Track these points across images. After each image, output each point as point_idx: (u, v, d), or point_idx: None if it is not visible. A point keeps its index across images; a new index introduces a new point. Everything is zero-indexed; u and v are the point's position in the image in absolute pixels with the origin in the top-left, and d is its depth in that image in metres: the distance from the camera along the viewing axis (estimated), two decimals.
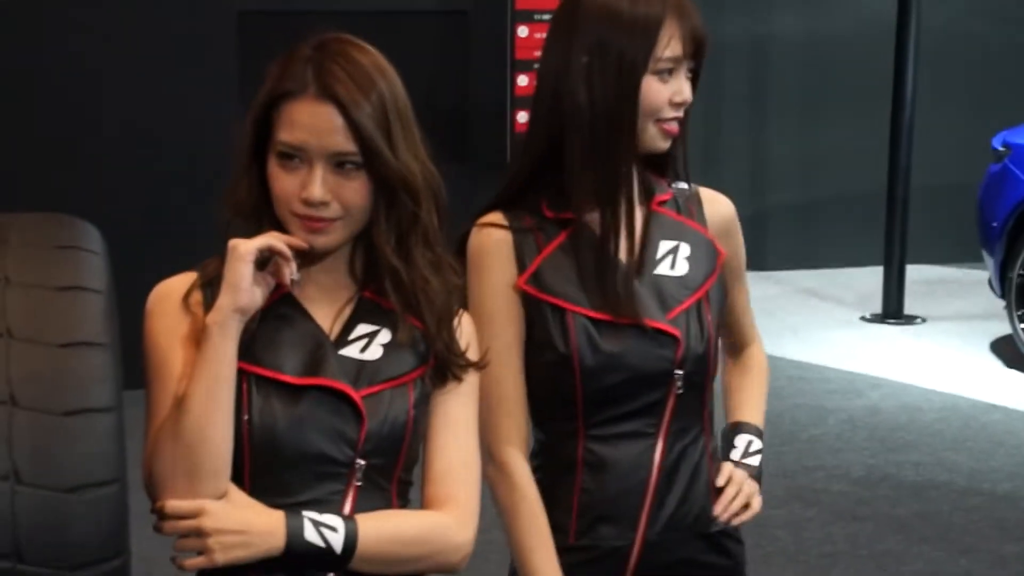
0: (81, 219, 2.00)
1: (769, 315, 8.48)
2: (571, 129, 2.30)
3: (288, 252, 2.03)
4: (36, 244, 1.87)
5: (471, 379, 2.17)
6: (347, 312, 2.13)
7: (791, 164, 9.89)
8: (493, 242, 2.33)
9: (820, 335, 8.12)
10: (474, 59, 6.90)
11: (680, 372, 2.34)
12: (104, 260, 1.91)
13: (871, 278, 9.03)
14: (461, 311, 2.19)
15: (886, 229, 8.37)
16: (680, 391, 2.35)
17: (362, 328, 2.12)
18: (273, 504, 2.03)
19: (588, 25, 2.28)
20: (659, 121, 2.32)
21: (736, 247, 2.50)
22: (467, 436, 2.16)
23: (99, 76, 6.57)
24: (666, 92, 2.31)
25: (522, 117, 6.82)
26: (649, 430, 2.35)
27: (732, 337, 2.61)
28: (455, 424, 2.15)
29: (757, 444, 2.49)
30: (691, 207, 2.44)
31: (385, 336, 2.12)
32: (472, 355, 2.18)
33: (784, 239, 9.87)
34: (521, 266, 2.32)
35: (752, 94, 9.80)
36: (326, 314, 2.12)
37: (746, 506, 2.43)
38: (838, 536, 5.22)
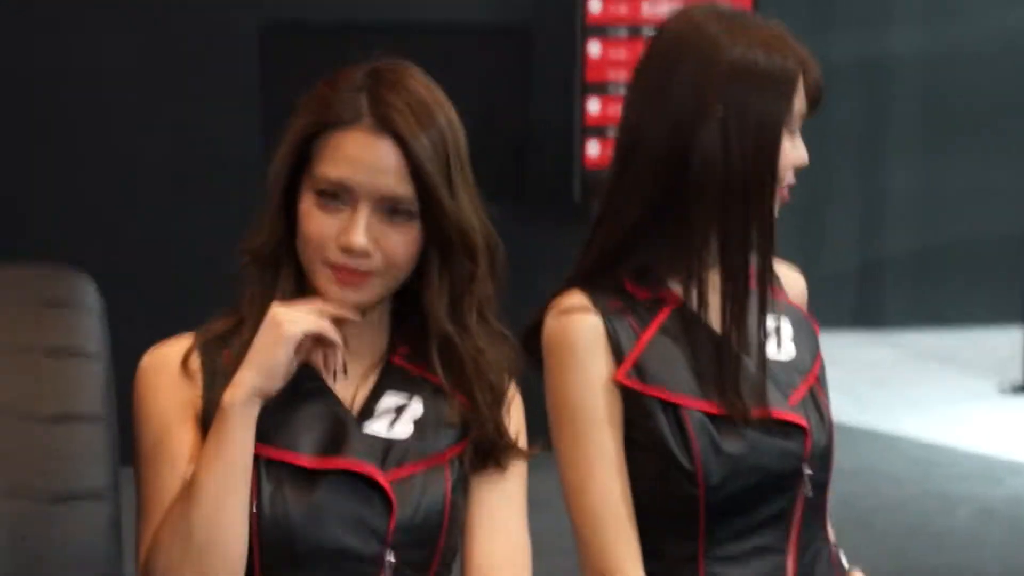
0: (75, 268, 2.00)
1: (884, 384, 8.43)
2: (696, 192, 2.29)
3: (340, 342, 2.04)
4: (22, 300, 1.88)
5: (518, 468, 2.16)
6: (372, 381, 2.13)
7: (911, 206, 9.86)
8: (582, 329, 2.28)
9: (948, 410, 8.06)
10: (537, 81, 6.92)
11: (808, 471, 2.32)
12: (101, 318, 1.91)
13: (1008, 340, 8.98)
14: (515, 391, 2.18)
15: None
16: (809, 494, 2.33)
17: (390, 400, 2.12)
18: None
19: (719, 75, 2.28)
20: (782, 181, 2.33)
21: None
22: (514, 527, 2.15)
23: (101, 101, 6.64)
24: (792, 154, 2.33)
25: (592, 148, 6.83)
26: (779, 544, 2.32)
27: None
28: (499, 513, 2.14)
29: (844, 557, 2.48)
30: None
31: (416, 409, 2.11)
32: (522, 442, 2.16)
33: (903, 293, 9.84)
34: (618, 356, 2.31)
35: (866, 124, 9.79)
36: (347, 383, 2.11)
37: None
38: None
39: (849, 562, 2.50)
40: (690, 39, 2.32)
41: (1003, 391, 8.43)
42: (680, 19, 2.36)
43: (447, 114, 2.10)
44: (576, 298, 2.31)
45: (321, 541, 2.03)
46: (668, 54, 2.34)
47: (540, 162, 6.94)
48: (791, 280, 2.48)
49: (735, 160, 2.28)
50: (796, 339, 2.39)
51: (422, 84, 2.10)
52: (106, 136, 6.70)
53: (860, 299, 9.86)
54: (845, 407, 7.71)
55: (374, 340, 2.14)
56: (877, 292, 9.78)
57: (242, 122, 6.47)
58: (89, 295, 1.94)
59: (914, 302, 9.84)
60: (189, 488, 1.98)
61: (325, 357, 2.06)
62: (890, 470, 6.99)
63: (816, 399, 2.37)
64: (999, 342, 9.30)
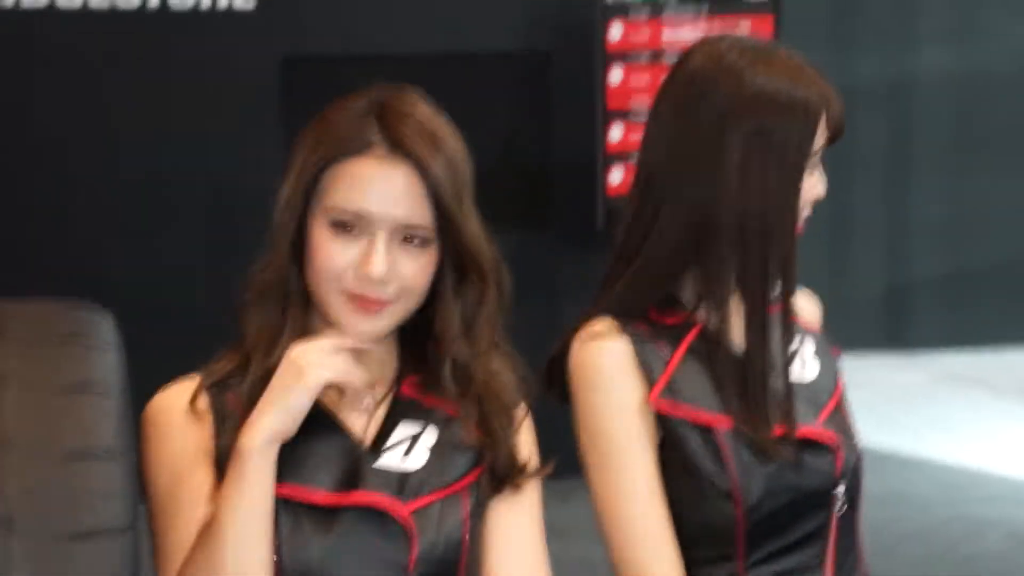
0: (91, 304, 2.02)
1: (913, 407, 8.41)
2: (717, 227, 2.30)
3: (364, 384, 2.05)
4: (39, 336, 1.89)
5: (532, 486, 2.16)
6: (382, 412, 2.13)
7: (939, 227, 9.84)
8: (612, 353, 2.29)
9: (976, 431, 8.02)
10: (558, 108, 6.92)
11: (841, 488, 2.33)
12: (118, 354, 1.92)
13: None
14: (526, 412, 2.18)
15: None
16: (841, 511, 2.34)
17: (403, 430, 2.11)
18: None
19: (743, 106, 2.28)
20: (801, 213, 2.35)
21: None
22: (531, 546, 2.15)
23: (117, 133, 6.66)
24: (811, 188, 2.34)
25: (615, 176, 6.83)
26: (814, 562, 2.32)
27: None
28: (516, 532, 2.14)
29: None
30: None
31: (431, 437, 2.11)
32: (534, 463, 2.16)
33: (930, 315, 9.81)
34: (649, 380, 2.31)
35: (892, 146, 9.77)
36: (356, 417, 2.12)
37: None
38: None
39: None
40: (713, 71, 2.33)
41: None
42: (702, 50, 2.36)
43: (454, 138, 2.11)
44: (604, 324, 2.32)
45: None
46: (690, 86, 2.35)
47: (563, 190, 6.94)
48: (809, 305, 2.50)
49: (756, 195, 2.29)
50: (818, 359, 2.41)
51: (428, 108, 2.11)
52: (128, 168, 6.72)
53: (889, 321, 9.83)
54: (873, 430, 7.69)
55: (383, 370, 2.14)
56: (906, 314, 9.75)
57: (264, 154, 6.49)
58: (106, 330, 1.95)
59: (943, 324, 9.80)
60: (211, 532, 1.98)
61: (343, 392, 2.06)
62: (918, 494, 6.97)
63: (842, 417, 2.39)
64: None
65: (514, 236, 6.84)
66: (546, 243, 6.73)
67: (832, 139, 2.37)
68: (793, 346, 2.38)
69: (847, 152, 9.44)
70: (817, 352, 2.42)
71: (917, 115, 9.78)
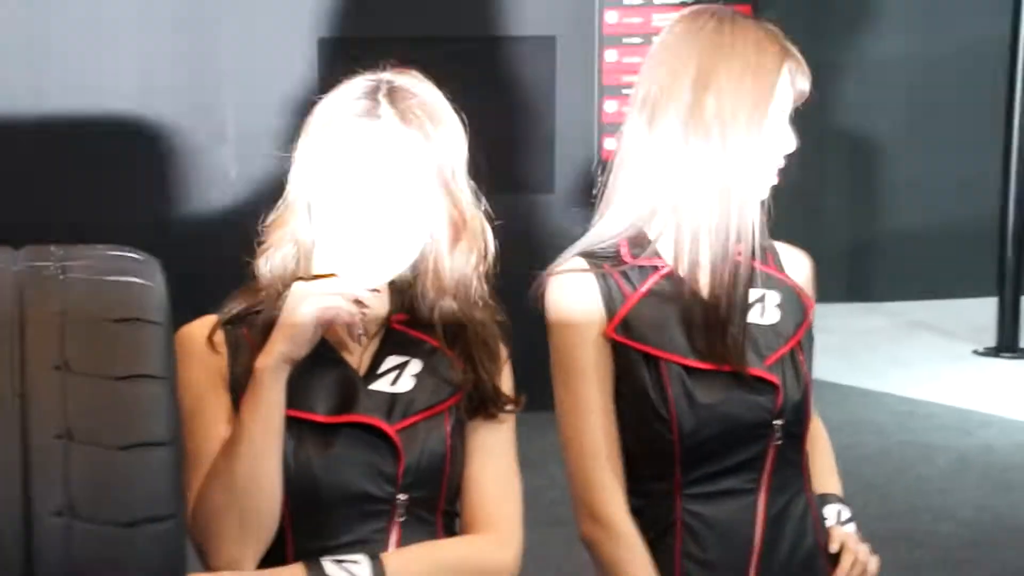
0: (141, 251, 2.03)
1: (874, 349, 8.39)
2: (690, 168, 2.30)
3: (357, 318, 2.07)
4: (96, 275, 1.90)
5: (508, 415, 2.19)
6: (375, 344, 2.15)
7: (899, 191, 9.80)
8: (578, 290, 2.31)
9: (929, 369, 8.02)
10: (560, 84, 6.92)
11: (779, 422, 2.32)
12: (163, 291, 1.93)
13: (983, 309, 8.94)
14: (506, 355, 2.21)
15: (998, 259, 8.27)
16: (779, 442, 2.33)
17: (392, 360, 2.15)
18: (316, 548, 2.05)
19: (709, 69, 2.29)
20: (768, 165, 2.36)
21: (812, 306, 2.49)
22: (504, 460, 2.18)
23: (166, 110, 6.66)
24: (780, 140, 2.34)
25: (609, 144, 6.82)
26: (749, 486, 2.33)
27: None
28: (491, 449, 2.17)
29: (847, 512, 2.48)
30: (769, 257, 2.44)
31: (415, 367, 2.14)
32: (509, 395, 2.20)
33: (891, 269, 9.78)
34: (609, 313, 2.31)
35: (858, 120, 9.73)
36: (353, 348, 2.14)
37: (862, 573, 2.40)
38: None
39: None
40: (683, 40, 2.34)
41: (977, 353, 8.38)
42: (683, 20, 2.38)
43: (453, 114, 2.13)
44: (574, 261, 2.33)
45: (341, 488, 2.07)
46: (663, 54, 2.36)
47: (566, 156, 6.94)
48: (795, 260, 2.49)
49: (723, 146, 2.30)
50: (781, 307, 2.40)
51: (429, 87, 2.14)
52: (173, 143, 6.73)
53: (854, 274, 9.80)
54: (838, 368, 7.69)
55: (377, 310, 2.16)
56: (868, 267, 9.73)
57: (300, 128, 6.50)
58: (154, 271, 1.95)
59: (902, 277, 9.78)
60: (229, 445, 2.01)
61: (349, 326, 2.09)
62: (876, 422, 6.98)
63: (795, 360, 2.38)
64: (976, 311, 9.23)
65: (524, 196, 6.88)
66: (550, 203, 6.74)
67: (800, 96, 2.36)
68: (758, 292, 2.38)
69: (818, 125, 9.42)
70: (783, 300, 2.41)
71: (881, 91, 9.73)
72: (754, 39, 2.31)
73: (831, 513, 2.46)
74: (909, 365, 8.12)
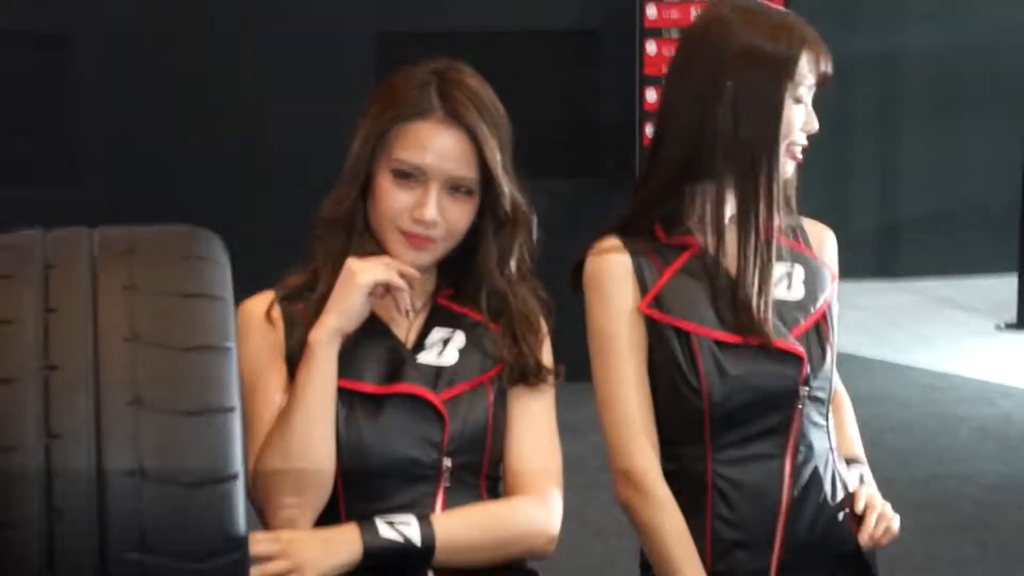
0: (208, 231, 2.05)
1: (898, 323, 8.36)
2: (713, 156, 2.31)
3: (406, 287, 2.09)
4: (163, 253, 1.92)
5: (548, 385, 2.21)
6: (422, 318, 2.17)
7: (923, 172, 9.75)
8: (613, 267, 2.32)
9: (953, 344, 7.98)
10: (603, 75, 6.92)
11: (805, 390, 2.33)
12: (227, 270, 1.95)
13: (1005, 286, 8.89)
14: (546, 331, 2.23)
15: (1020, 237, 8.23)
16: (804, 410, 2.34)
17: (437, 333, 2.16)
18: (368, 510, 2.07)
19: (731, 58, 2.29)
20: (790, 145, 2.34)
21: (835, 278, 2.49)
22: (545, 426, 2.20)
23: (237, 100, 6.71)
24: (801, 120, 2.33)
25: (650, 131, 6.81)
26: (776, 450, 2.33)
27: None
28: (532, 416, 2.19)
29: (868, 474, 2.48)
30: (796, 233, 2.44)
31: (460, 340, 2.16)
32: (550, 368, 2.21)
33: (916, 247, 9.73)
34: (643, 290, 2.32)
35: (883, 107, 9.68)
36: (401, 322, 2.16)
37: (886, 529, 2.40)
38: (968, 544, 5.14)
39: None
40: (708, 29, 2.34)
41: (999, 328, 8.34)
42: (705, 13, 2.39)
43: (499, 108, 2.14)
44: (611, 241, 2.34)
45: (390, 454, 2.09)
46: (690, 43, 2.37)
47: (608, 143, 6.94)
48: (821, 236, 2.48)
49: (744, 129, 2.30)
50: (807, 282, 2.41)
51: (478, 82, 2.15)
52: (241, 132, 6.78)
53: (881, 253, 9.76)
54: (866, 343, 7.68)
55: (424, 287, 2.18)
56: (895, 246, 9.68)
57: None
58: (218, 249, 1.97)
59: (927, 255, 9.73)
60: (285, 415, 2.03)
61: (396, 300, 2.10)
62: (901, 394, 6.96)
63: (820, 332, 2.38)
64: (998, 287, 9.19)
65: (570, 182, 6.89)
66: (596, 187, 6.74)
67: (823, 79, 2.36)
68: (784, 269, 2.38)
69: (846, 111, 9.38)
70: (808, 275, 2.40)
71: (906, 79, 9.68)
72: (774, 24, 2.31)
73: (854, 475, 2.47)
74: (933, 340, 8.09)
